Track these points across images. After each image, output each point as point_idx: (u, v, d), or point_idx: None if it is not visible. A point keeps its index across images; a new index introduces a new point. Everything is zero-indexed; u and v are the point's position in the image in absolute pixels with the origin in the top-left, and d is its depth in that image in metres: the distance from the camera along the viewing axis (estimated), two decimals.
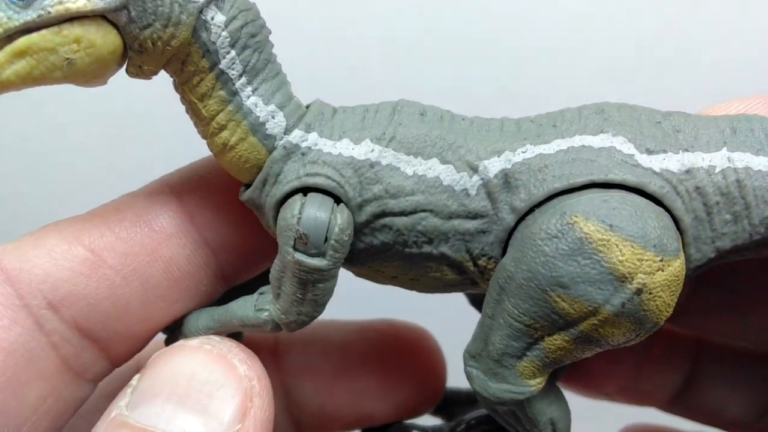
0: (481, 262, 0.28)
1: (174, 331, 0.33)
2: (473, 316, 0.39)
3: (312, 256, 0.27)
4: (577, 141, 0.27)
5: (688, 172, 0.27)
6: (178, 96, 0.29)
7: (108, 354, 0.31)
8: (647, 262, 0.26)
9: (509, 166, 0.27)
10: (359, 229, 0.28)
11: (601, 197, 0.26)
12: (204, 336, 0.30)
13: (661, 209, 0.27)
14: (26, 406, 0.28)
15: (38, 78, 0.25)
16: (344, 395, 0.39)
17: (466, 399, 0.41)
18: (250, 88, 0.28)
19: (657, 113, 0.28)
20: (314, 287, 0.28)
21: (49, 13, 0.24)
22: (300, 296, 0.28)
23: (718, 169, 0.27)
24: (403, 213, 0.28)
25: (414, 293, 0.32)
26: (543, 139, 0.28)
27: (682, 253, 0.27)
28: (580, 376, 0.39)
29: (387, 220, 0.28)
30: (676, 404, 0.40)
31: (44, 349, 0.28)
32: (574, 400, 0.41)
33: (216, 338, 0.30)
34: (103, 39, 0.25)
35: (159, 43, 0.26)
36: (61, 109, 0.62)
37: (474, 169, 0.28)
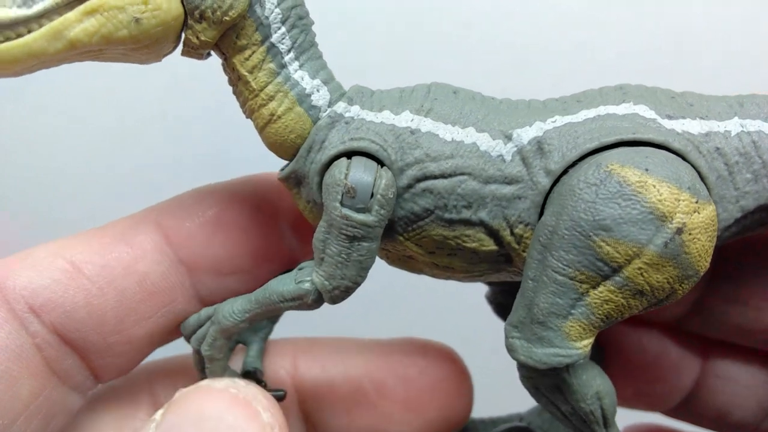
0: (518, 230, 0.29)
1: (193, 330, 0.33)
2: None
3: (359, 211, 0.28)
4: (602, 110, 0.29)
5: (707, 135, 0.29)
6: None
7: (89, 364, 0.33)
8: (684, 202, 0.27)
9: (541, 134, 0.29)
10: (400, 194, 0.29)
11: (633, 150, 0.28)
12: (230, 379, 0.31)
13: (687, 164, 0.28)
14: (19, 400, 0.30)
15: (105, 36, 0.26)
16: (366, 421, 0.38)
17: (491, 426, 0.40)
18: (297, 63, 0.30)
19: (671, 91, 0.30)
20: (359, 246, 0.29)
21: None
22: (345, 257, 0.29)
23: (733, 133, 0.29)
24: (443, 175, 0.29)
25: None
26: (569, 111, 0.29)
27: (713, 202, 0.28)
28: None
29: (428, 183, 0.29)
30: (683, 409, 0.40)
31: (30, 348, 0.31)
32: None
33: (241, 383, 0.30)
34: (168, 4, 0.27)
35: (218, 13, 0.28)
36: (61, 113, 0.62)
37: (508, 137, 0.29)
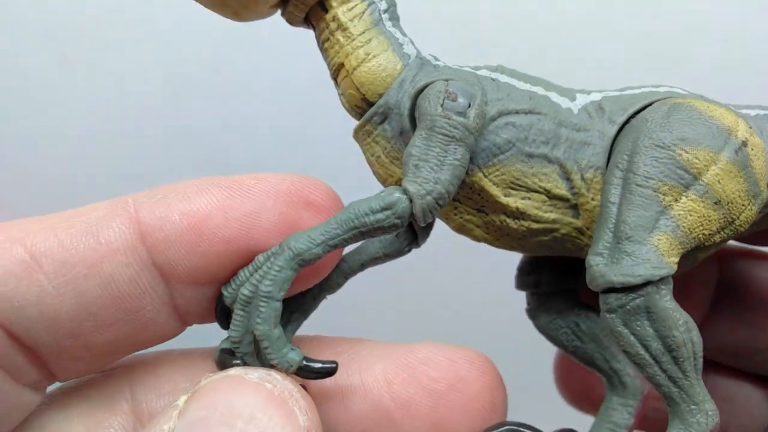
0: (588, 174, 0.32)
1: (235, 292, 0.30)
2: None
3: (459, 114, 0.30)
4: (645, 89, 0.33)
5: (736, 110, 0.32)
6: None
7: (42, 364, 0.29)
8: (743, 124, 0.31)
9: (599, 99, 0.33)
10: (485, 126, 0.31)
11: (689, 95, 0.32)
12: (264, 370, 0.28)
13: None
14: None
15: None
16: None
17: None
18: (390, 23, 0.34)
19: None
20: (455, 149, 0.30)
21: None
22: (441, 159, 0.29)
23: (752, 114, 0.33)
24: (523, 111, 0.32)
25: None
26: (618, 91, 0.34)
27: None
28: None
29: (510, 117, 0.31)
30: None
31: None
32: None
33: (277, 376, 0.28)
34: None
35: None
36: (60, 111, 0.62)
37: (573, 98, 0.33)
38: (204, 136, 0.60)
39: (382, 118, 0.32)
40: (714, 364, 0.39)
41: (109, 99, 0.61)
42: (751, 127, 0.31)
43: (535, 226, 0.32)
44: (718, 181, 0.29)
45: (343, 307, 0.46)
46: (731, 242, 0.35)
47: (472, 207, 0.32)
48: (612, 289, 0.28)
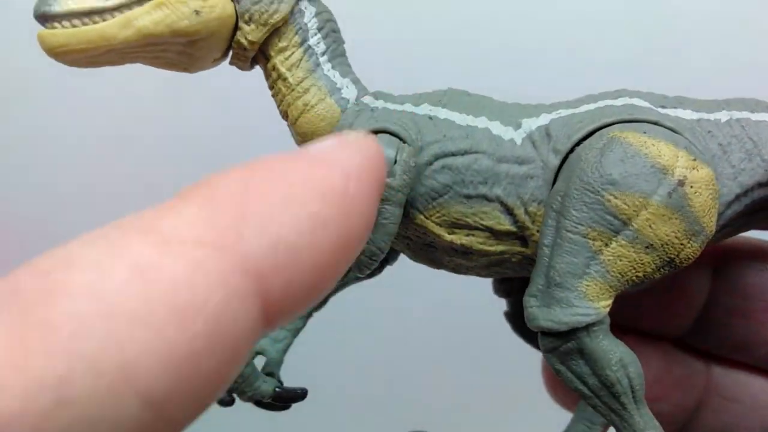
0: (532, 208, 0.31)
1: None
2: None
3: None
4: (601, 104, 0.32)
5: (698, 120, 0.31)
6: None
7: None
8: (683, 159, 0.29)
9: (547, 122, 0.32)
10: (421, 172, 0.32)
11: (631, 125, 0.31)
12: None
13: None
14: None
15: (169, 26, 0.31)
16: None
17: None
18: (329, 65, 0.34)
19: (663, 94, 0.33)
20: (384, 209, 0.31)
21: None
22: None
23: (723, 121, 0.31)
24: (459, 152, 0.32)
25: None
26: (572, 106, 0.33)
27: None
28: None
29: (446, 160, 0.32)
30: (684, 430, 0.39)
31: None
32: None
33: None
34: (224, 4, 0.32)
35: (264, 15, 0.33)
36: (61, 112, 0.61)
37: (518, 125, 0.32)
38: (204, 136, 0.60)
39: None
40: (719, 359, 0.39)
41: (109, 99, 0.61)
42: (695, 159, 0.29)
43: (483, 259, 0.33)
44: (649, 226, 0.29)
45: (348, 309, 0.46)
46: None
47: (422, 243, 0.33)
48: (545, 333, 0.29)
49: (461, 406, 0.54)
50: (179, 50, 0.32)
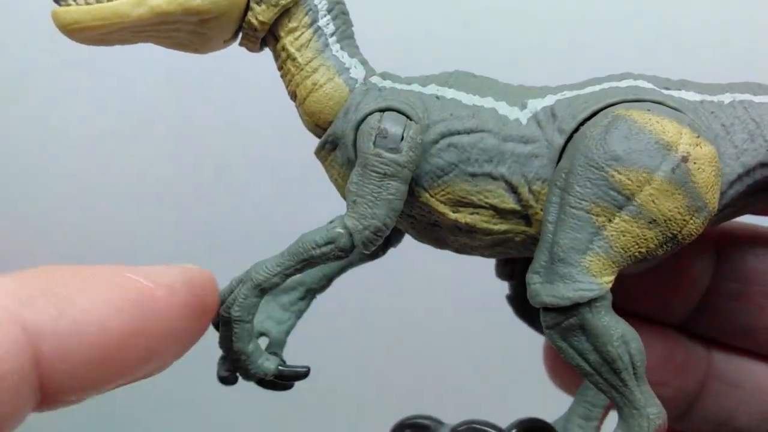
0: (536, 186, 0.31)
1: (224, 299, 0.32)
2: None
3: (390, 150, 0.31)
4: (606, 85, 0.33)
5: (701, 102, 0.32)
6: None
7: None
8: (686, 136, 0.29)
9: (553, 103, 0.32)
10: (427, 150, 0.32)
11: (636, 104, 0.31)
12: None
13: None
14: None
15: (181, 4, 0.31)
16: None
17: None
18: (338, 45, 0.34)
19: (666, 78, 0.34)
20: (389, 184, 0.31)
21: None
22: (375, 195, 0.31)
23: (726, 102, 0.32)
24: (465, 131, 0.32)
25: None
26: (576, 88, 0.33)
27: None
28: None
29: (452, 139, 0.32)
30: (687, 417, 0.39)
31: None
32: None
33: None
34: None
35: None
36: (61, 110, 0.62)
37: (524, 105, 0.32)
38: (204, 136, 0.60)
39: (332, 146, 0.34)
40: (721, 345, 0.39)
41: (109, 99, 0.61)
42: (698, 136, 0.30)
43: (487, 238, 0.33)
44: (653, 201, 0.29)
45: (343, 302, 0.46)
46: (729, 222, 0.35)
47: (427, 222, 0.34)
48: (547, 308, 0.30)
49: (462, 391, 0.54)
50: (191, 29, 0.32)
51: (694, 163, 0.29)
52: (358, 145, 0.32)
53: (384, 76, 0.34)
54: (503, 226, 0.32)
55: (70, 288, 0.23)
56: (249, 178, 0.60)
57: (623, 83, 0.32)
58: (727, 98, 0.32)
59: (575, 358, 0.30)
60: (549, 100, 0.32)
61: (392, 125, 0.31)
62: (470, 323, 0.48)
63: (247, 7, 0.33)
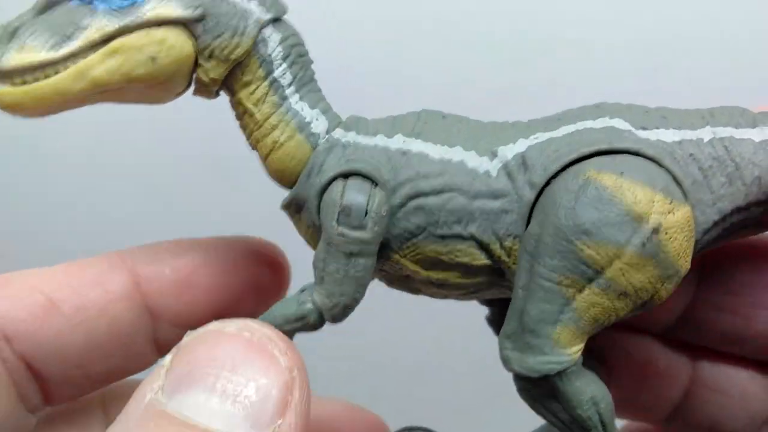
0: (507, 242, 0.31)
1: None
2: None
3: (354, 228, 0.30)
4: (581, 125, 0.31)
5: (680, 142, 0.30)
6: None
7: (45, 390, 0.35)
8: (659, 203, 0.28)
9: (524, 149, 0.31)
10: (394, 213, 0.31)
11: (609, 157, 0.30)
12: (242, 321, 0.30)
13: (662, 169, 0.30)
14: None
15: (124, 74, 0.29)
16: None
17: None
18: (297, 96, 0.32)
19: (645, 107, 0.32)
20: (356, 262, 0.30)
21: (142, 18, 0.29)
22: (343, 273, 0.30)
23: (705, 140, 0.30)
24: (433, 192, 0.31)
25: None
26: (550, 128, 0.31)
27: (689, 204, 0.29)
28: None
29: (419, 201, 0.31)
30: (673, 421, 0.40)
31: (3, 374, 0.33)
32: None
33: (255, 324, 0.29)
34: (182, 44, 0.30)
35: (226, 51, 0.31)
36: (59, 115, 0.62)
37: (494, 154, 0.31)
38: (204, 135, 0.60)
39: (297, 208, 0.33)
40: (707, 351, 0.40)
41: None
42: (671, 202, 0.28)
43: (461, 290, 0.33)
44: (623, 275, 0.28)
45: None
46: None
47: (399, 276, 0.33)
48: (518, 375, 0.30)
49: (459, 401, 0.54)
50: (138, 93, 0.31)
51: (666, 233, 0.28)
52: (322, 218, 0.31)
53: (347, 126, 0.32)
54: (477, 279, 0.32)
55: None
56: (249, 178, 0.60)
57: (598, 123, 0.31)
58: (707, 134, 0.30)
59: (547, 415, 0.31)
60: (520, 146, 0.31)
61: (356, 197, 0.30)
62: (468, 333, 0.48)
63: (196, 63, 0.31)
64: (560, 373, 0.29)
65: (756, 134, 0.30)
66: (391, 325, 0.60)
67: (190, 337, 0.29)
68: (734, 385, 0.39)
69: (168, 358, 0.28)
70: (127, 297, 0.35)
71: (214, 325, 0.29)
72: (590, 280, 0.28)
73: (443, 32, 0.59)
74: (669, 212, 0.28)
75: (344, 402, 0.42)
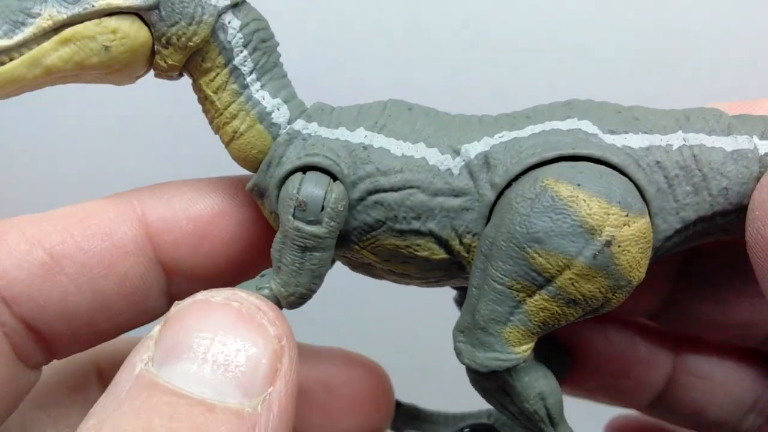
0: (467, 239, 0.31)
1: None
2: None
3: (310, 223, 0.30)
4: (548, 126, 0.30)
5: (647, 149, 0.30)
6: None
7: (50, 348, 0.33)
8: (613, 216, 0.28)
9: (488, 149, 0.30)
10: (353, 206, 0.31)
11: (570, 165, 0.29)
12: (229, 290, 0.29)
13: (624, 177, 0.29)
14: None
15: (78, 63, 0.29)
16: None
17: (459, 421, 0.41)
18: (258, 84, 0.32)
19: (619, 106, 0.31)
20: (311, 256, 0.30)
21: (93, 7, 0.29)
22: (298, 266, 0.31)
23: (675, 147, 0.30)
24: (392, 188, 0.30)
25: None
26: (517, 126, 0.31)
27: (647, 215, 0.29)
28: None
29: (378, 196, 0.31)
30: (657, 407, 0.40)
31: (0, 338, 0.31)
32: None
33: (243, 294, 0.29)
34: (136, 32, 0.30)
35: (183, 39, 0.30)
36: (65, 110, 0.62)
37: (456, 152, 0.31)
38: (204, 136, 0.60)
39: (259, 194, 0.33)
40: (690, 341, 0.40)
41: (108, 98, 0.61)
42: (627, 214, 0.28)
43: (423, 281, 0.33)
44: (572, 284, 0.28)
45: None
46: None
47: (361, 263, 0.33)
48: (470, 369, 0.31)
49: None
50: (96, 77, 0.31)
51: (619, 246, 0.28)
52: (279, 211, 0.31)
53: (310, 116, 0.32)
54: (438, 273, 0.32)
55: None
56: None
57: (566, 124, 0.30)
58: (677, 141, 0.30)
59: (496, 405, 0.32)
60: (484, 145, 0.30)
61: (312, 191, 0.30)
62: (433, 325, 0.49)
63: (153, 52, 0.31)
64: (509, 369, 0.30)
65: (728, 143, 0.30)
66: (389, 314, 0.60)
67: (177, 307, 0.28)
68: (718, 371, 0.39)
69: (156, 328, 0.28)
70: (138, 251, 0.32)
71: (202, 295, 0.28)
72: (540, 287, 0.29)
73: (442, 34, 0.59)
74: (624, 225, 0.28)
75: (341, 350, 0.41)
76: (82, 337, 0.33)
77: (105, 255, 0.31)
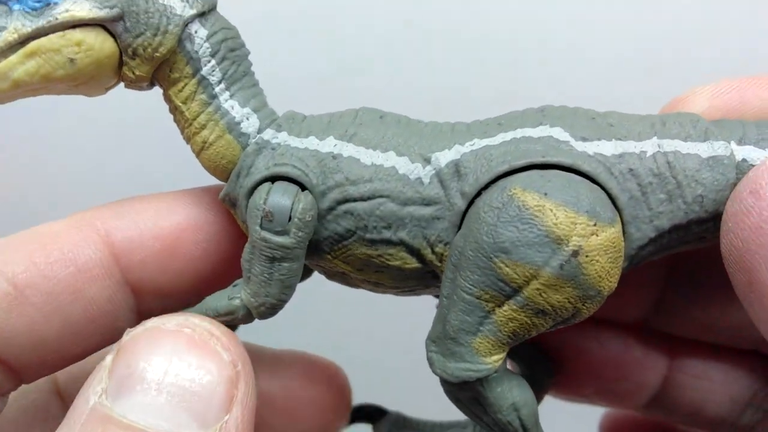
0: (438, 248, 0.30)
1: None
2: None
3: (277, 233, 0.30)
4: (519, 133, 0.30)
5: (620, 156, 0.29)
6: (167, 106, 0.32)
7: (18, 376, 0.31)
8: (581, 226, 0.28)
9: (458, 157, 0.30)
10: (324, 216, 0.31)
11: (539, 173, 0.29)
12: (182, 316, 0.29)
13: (595, 186, 0.29)
14: None
15: (44, 76, 0.29)
16: None
17: (440, 430, 0.41)
18: (227, 93, 0.32)
19: (593, 112, 0.31)
20: (280, 266, 0.30)
21: (57, 19, 0.29)
22: (267, 276, 0.30)
23: (649, 154, 0.29)
24: (362, 198, 0.30)
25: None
26: (489, 134, 0.30)
27: (619, 224, 0.29)
28: (559, 378, 0.39)
29: (348, 206, 0.30)
30: (654, 406, 0.40)
31: None
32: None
33: (195, 319, 0.29)
34: (101, 44, 0.30)
35: (149, 50, 0.30)
36: (60, 113, 0.61)
37: (427, 161, 0.30)
38: None
39: (231, 204, 0.32)
40: (685, 341, 0.39)
41: (108, 98, 0.61)
42: (595, 224, 0.28)
43: (398, 290, 0.33)
44: (540, 294, 0.28)
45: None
46: None
47: (335, 272, 0.33)
48: (442, 379, 0.30)
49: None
50: (65, 89, 0.31)
51: (586, 256, 0.28)
52: (247, 221, 0.30)
53: (279, 125, 0.32)
54: (411, 282, 0.32)
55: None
56: None
57: (537, 131, 0.30)
58: (651, 147, 0.29)
59: (471, 416, 0.31)
60: (455, 153, 0.30)
61: (279, 201, 0.29)
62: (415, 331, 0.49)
63: (121, 63, 0.30)
64: (481, 380, 0.29)
65: (704, 149, 0.29)
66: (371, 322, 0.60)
67: (129, 335, 0.28)
68: (714, 369, 0.39)
69: (109, 358, 0.27)
70: (104, 275, 0.31)
71: (152, 322, 0.28)
72: (509, 297, 0.28)
73: (440, 36, 0.59)
74: (592, 234, 0.28)
75: (301, 353, 0.41)
76: (51, 362, 0.32)
77: (70, 281, 0.30)
